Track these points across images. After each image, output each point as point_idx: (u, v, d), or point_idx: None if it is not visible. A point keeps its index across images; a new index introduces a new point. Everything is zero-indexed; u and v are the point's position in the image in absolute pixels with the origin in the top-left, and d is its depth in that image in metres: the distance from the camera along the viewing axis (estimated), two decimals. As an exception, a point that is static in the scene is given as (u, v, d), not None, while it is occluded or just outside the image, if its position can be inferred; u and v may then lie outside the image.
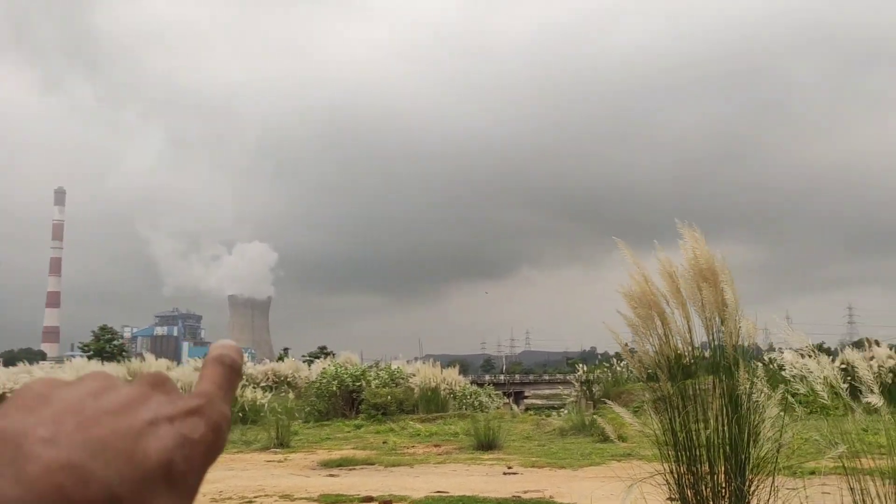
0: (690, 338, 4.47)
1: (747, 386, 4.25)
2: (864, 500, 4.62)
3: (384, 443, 14.12)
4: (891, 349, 20.94)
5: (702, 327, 4.52)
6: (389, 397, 19.63)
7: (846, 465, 4.92)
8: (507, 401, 30.24)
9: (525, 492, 8.23)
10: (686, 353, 4.51)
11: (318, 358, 34.92)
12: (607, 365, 25.48)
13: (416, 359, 28.69)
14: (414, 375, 21.35)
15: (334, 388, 20.30)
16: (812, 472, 7.13)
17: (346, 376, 20.55)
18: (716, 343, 4.46)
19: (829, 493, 5.05)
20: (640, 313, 4.46)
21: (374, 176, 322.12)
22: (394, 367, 23.18)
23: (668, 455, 4.39)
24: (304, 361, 32.42)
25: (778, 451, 4.33)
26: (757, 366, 4.48)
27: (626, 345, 5.49)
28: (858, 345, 20.52)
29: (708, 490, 4.15)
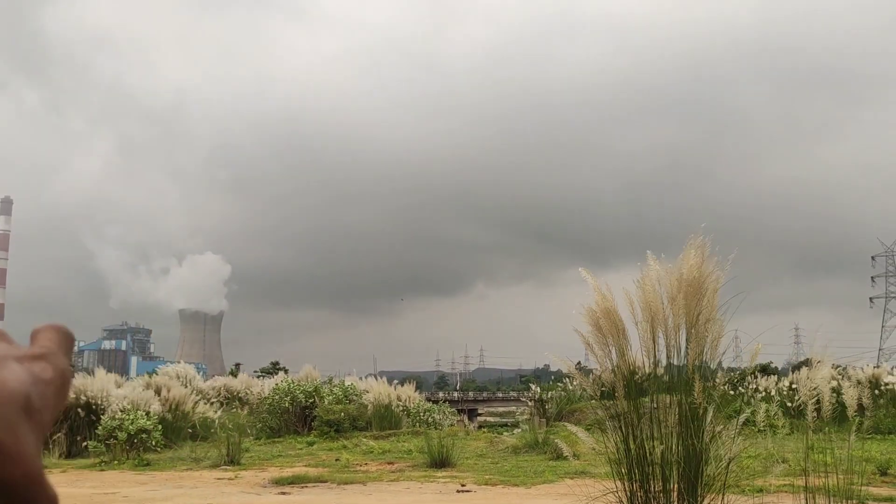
0: (655, 354, 4.52)
1: (705, 403, 4.33)
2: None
3: (337, 460, 13.98)
4: (834, 369, 21.48)
5: (665, 343, 4.55)
6: (343, 414, 19.47)
7: (793, 482, 5.04)
8: (461, 418, 30.25)
9: (479, 510, 8.22)
10: (640, 371, 4.57)
11: (270, 374, 34.50)
12: (560, 384, 25.67)
13: (369, 375, 28.50)
14: (367, 392, 21.23)
15: (287, 405, 20.07)
16: (759, 490, 7.27)
17: (298, 392, 20.33)
18: (678, 361, 4.51)
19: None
20: (603, 325, 4.50)
21: (329, 189, 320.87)
22: (347, 383, 23.00)
23: (622, 473, 4.44)
24: (256, 377, 31.98)
25: (727, 468, 4.41)
26: (715, 384, 4.55)
27: (579, 363, 5.56)
28: (805, 364, 21.03)
29: (660, 507, 4.22)
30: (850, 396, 5.27)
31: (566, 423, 5.43)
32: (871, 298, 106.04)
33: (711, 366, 4.69)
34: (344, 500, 9.12)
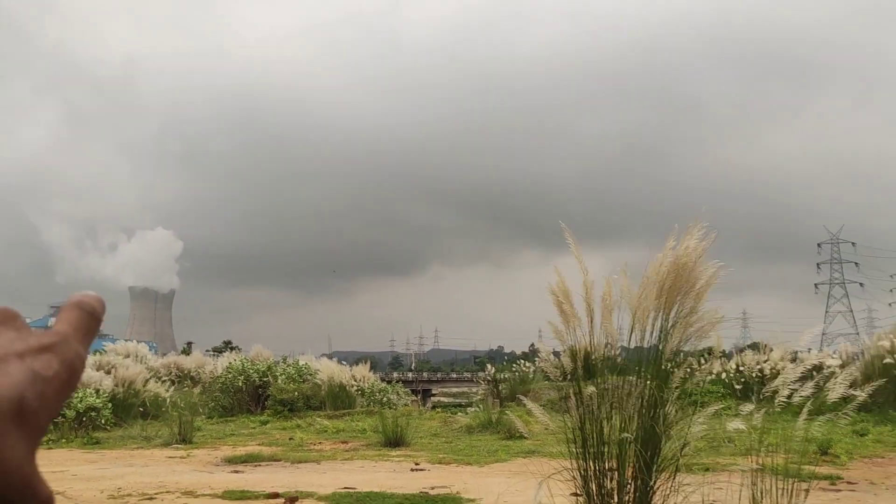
0: (635, 335, 4.56)
1: (675, 386, 4.42)
2: (758, 496, 4.87)
3: (290, 439, 13.94)
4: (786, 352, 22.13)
5: (635, 326, 4.58)
6: (296, 393, 19.40)
7: (739, 461, 5.18)
8: (415, 398, 30.36)
9: (432, 488, 8.28)
10: (596, 352, 4.63)
11: (222, 352, 34.15)
12: (515, 366, 25.93)
13: (324, 355, 28.37)
14: (321, 371, 21.17)
15: (240, 384, 19.91)
16: (707, 469, 7.46)
17: (252, 371, 20.17)
18: (646, 343, 4.56)
19: (721, 489, 5.31)
20: (566, 308, 4.54)
21: (284, 165, 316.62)
22: (301, 362, 22.88)
23: (576, 452, 4.51)
24: (208, 356, 31.60)
25: (682, 450, 4.51)
26: (686, 366, 4.63)
27: (532, 345, 5.63)
28: (752, 347, 21.60)
29: (613, 484, 4.30)
30: (842, 382, 5.39)
31: (522, 398, 5.48)
32: (816, 284, 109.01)
33: (690, 349, 4.76)
34: (298, 478, 9.10)
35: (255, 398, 19.94)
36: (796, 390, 5.12)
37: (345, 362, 23.22)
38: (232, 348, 35.12)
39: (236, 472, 9.84)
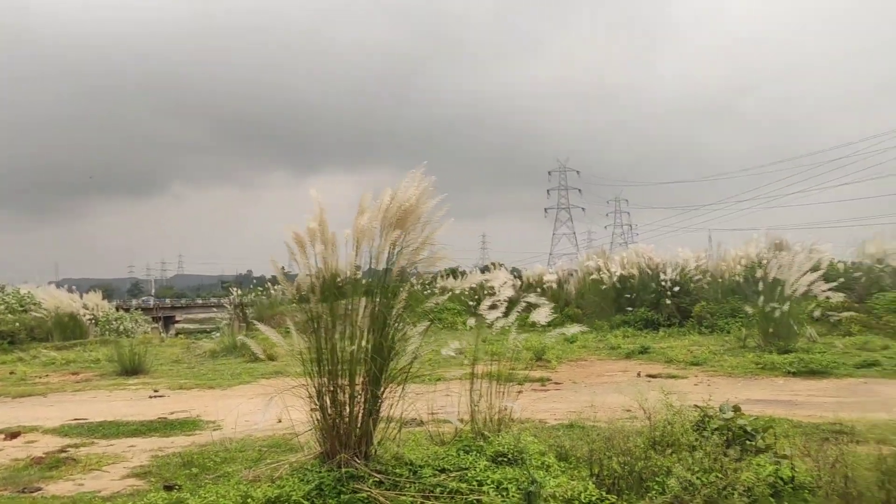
0: (357, 260, 4.73)
1: (400, 306, 4.71)
2: (476, 399, 5.42)
3: (11, 373, 12.86)
4: (511, 272, 24.28)
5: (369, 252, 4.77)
6: (18, 324, 17.86)
7: (465, 371, 5.72)
8: (157, 326, 29.15)
9: (171, 413, 8.15)
10: (341, 275, 4.80)
11: (-76, 282, 30.10)
12: (261, 288, 25.71)
13: (51, 283, 26.07)
14: (46, 301, 19.62)
15: (-53, 316, 17.83)
16: (438, 379, 8.09)
17: (-38, 302, 18.13)
18: (383, 266, 4.78)
19: (450, 396, 5.82)
20: (305, 235, 4.64)
21: None
22: (23, 291, 20.92)
23: (313, 370, 4.70)
24: None
25: (412, 363, 4.87)
26: (407, 286, 4.92)
27: (283, 268, 5.70)
28: (486, 269, 23.33)
29: (345, 397, 4.57)
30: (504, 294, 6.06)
31: (257, 324, 5.56)
32: (545, 209, 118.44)
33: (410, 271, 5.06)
34: (20, 413, 8.48)
35: (-34, 332, 17.98)
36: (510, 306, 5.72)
37: (76, 290, 21.62)
38: (-65, 277, 31.05)
39: (-56, 411, 8.93)
